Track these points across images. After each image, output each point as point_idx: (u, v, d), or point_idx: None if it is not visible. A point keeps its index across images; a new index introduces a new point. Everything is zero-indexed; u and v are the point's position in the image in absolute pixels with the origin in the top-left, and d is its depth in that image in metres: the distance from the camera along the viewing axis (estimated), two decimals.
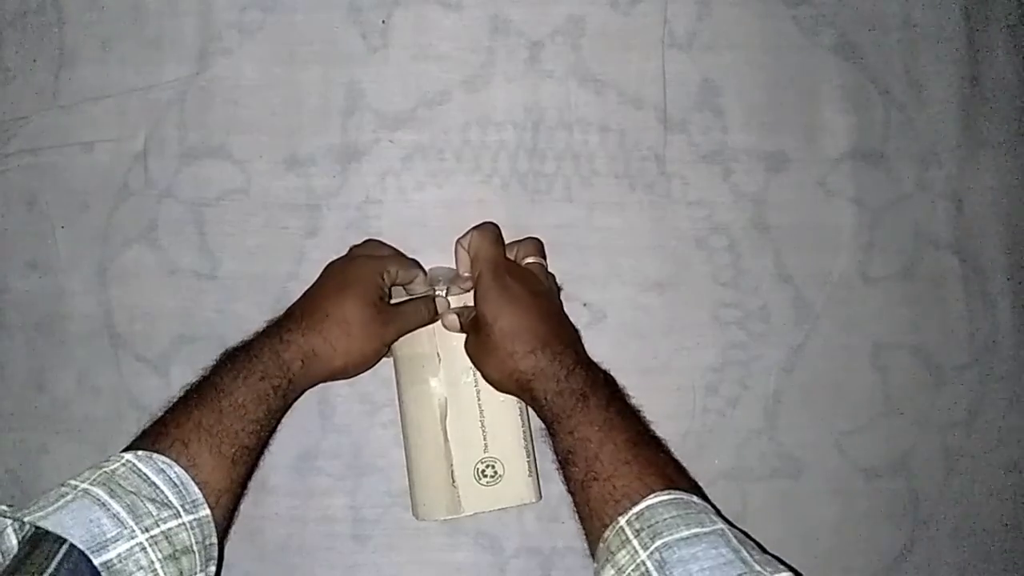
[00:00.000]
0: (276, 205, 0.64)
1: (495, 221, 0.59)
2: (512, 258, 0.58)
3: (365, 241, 0.61)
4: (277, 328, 0.54)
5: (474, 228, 0.57)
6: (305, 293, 0.57)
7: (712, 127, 0.64)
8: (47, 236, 0.64)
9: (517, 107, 0.64)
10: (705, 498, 0.45)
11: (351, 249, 0.61)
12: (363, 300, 0.54)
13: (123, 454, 0.45)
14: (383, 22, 0.65)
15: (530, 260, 0.58)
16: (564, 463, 0.49)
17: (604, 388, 0.50)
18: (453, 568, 0.62)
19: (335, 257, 0.60)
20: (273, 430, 0.53)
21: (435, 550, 0.61)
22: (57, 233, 0.64)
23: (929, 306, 0.63)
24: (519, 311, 0.53)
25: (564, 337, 0.53)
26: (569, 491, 0.49)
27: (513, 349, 0.52)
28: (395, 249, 0.61)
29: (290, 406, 0.54)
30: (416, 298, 0.59)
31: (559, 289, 0.60)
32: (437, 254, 0.63)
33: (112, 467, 0.44)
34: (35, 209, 0.64)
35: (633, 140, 0.64)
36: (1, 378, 0.63)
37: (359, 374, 0.57)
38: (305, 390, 0.55)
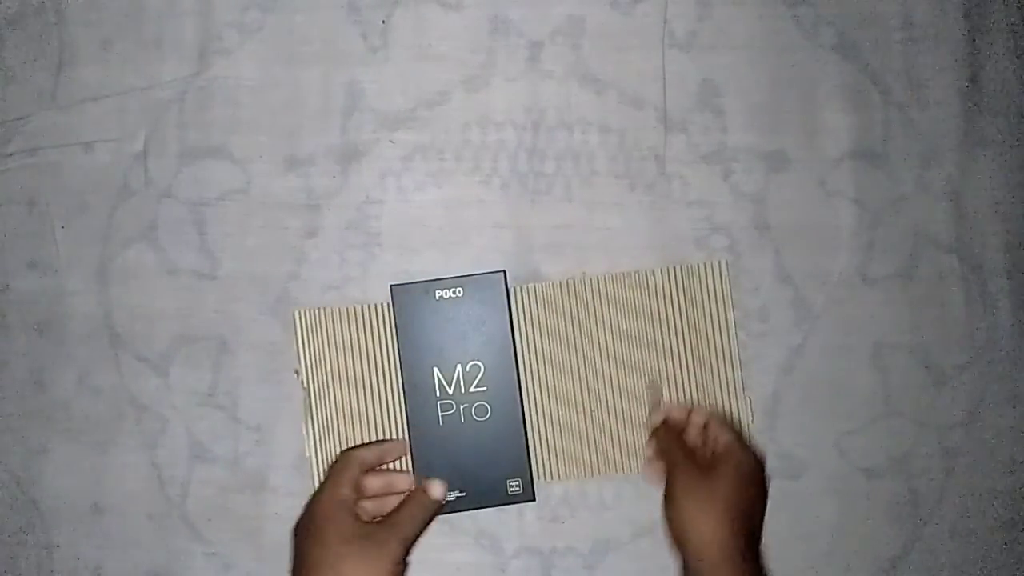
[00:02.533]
0: (276, 205, 0.64)
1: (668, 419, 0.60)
2: (706, 433, 0.58)
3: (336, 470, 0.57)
4: None
5: (662, 435, 0.58)
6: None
7: (712, 127, 0.64)
8: (47, 236, 0.64)
9: (517, 107, 0.64)
10: None
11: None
12: (336, 541, 0.52)
13: None
14: (383, 22, 0.65)
15: (726, 440, 0.57)
16: None
17: None
18: (453, 568, 0.62)
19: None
20: None
21: (435, 550, 0.61)
22: (57, 233, 0.64)
23: (929, 306, 0.63)
24: (686, 519, 0.54)
25: (721, 542, 0.53)
26: None
27: (675, 539, 0.54)
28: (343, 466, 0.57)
29: None
30: (404, 499, 0.57)
31: (762, 466, 0.57)
32: (437, 254, 0.63)
33: None
34: (35, 209, 0.64)
35: (633, 140, 0.64)
36: (1, 378, 0.63)
37: None
38: None
